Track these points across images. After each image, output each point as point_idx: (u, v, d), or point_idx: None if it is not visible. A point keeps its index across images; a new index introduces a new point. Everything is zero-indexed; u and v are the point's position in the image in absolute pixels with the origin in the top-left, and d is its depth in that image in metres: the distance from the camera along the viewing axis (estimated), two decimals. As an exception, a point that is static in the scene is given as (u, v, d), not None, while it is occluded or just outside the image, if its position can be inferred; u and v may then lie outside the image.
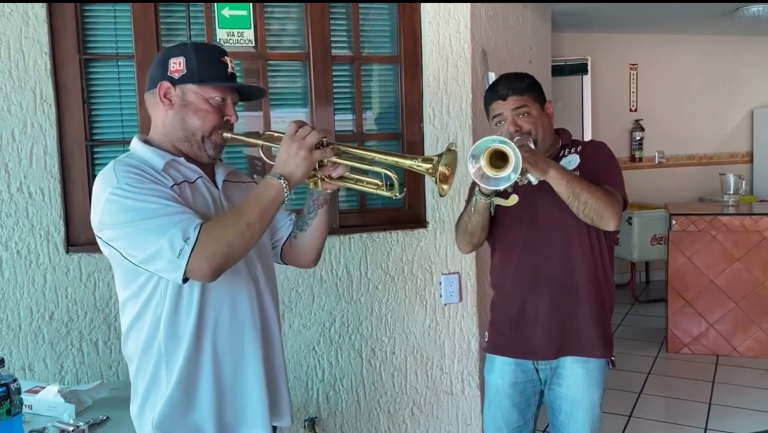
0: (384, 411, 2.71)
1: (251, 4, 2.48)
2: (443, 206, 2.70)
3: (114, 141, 2.39)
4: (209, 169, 1.55)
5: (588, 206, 1.79)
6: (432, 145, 2.67)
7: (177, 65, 1.46)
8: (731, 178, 5.09)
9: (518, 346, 2.03)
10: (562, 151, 2.02)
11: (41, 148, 2.27)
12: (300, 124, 1.44)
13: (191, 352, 1.44)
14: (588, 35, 5.94)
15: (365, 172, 1.53)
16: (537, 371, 2.04)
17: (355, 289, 2.64)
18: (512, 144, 1.60)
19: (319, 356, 2.62)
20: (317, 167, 1.48)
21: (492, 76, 2.90)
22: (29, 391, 1.86)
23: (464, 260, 2.72)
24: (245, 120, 2.59)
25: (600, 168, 1.94)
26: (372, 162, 1.49)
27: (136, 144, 1.50)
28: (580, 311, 1.97)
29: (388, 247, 2.66)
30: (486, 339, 2.14)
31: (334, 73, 2.61)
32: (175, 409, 1.45)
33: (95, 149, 2.39)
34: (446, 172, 1.42)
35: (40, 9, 2.24)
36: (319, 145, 1.43)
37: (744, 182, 5.34)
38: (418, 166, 1.45)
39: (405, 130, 2.71)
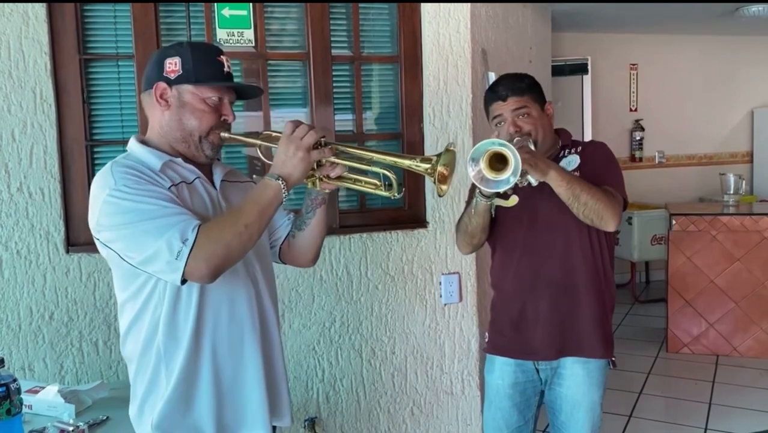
0: (384, 411, 2.71)
1: (251, 4, 2.48)
2: (443, 206, 2.70)
3: (114, 141, 2.39)
4: (207, 170, 1.54)
5: (588, 207, 1.79)
6: (432, 145, 2.67)
7: (173, 65, 1.45)
8: (731, 178, 5.09)
9: (518, 346, 2.03)
10: (562, 152, 2.02)
11: (41, 148, 2.27)
12: (296, 124, 1.43)
13: (190, 353, 1.44)
14: (588, 35, 5.94)
15: (364, 172, 1.52)
16: (537, 371, 2.04)
17: (355, 289, 2.64)
18: (512, 147, 1.60)
19: (319, 356, 2.62)
20: (315, 167, 1.48)
21: (492, 76, 2.90)
22: (29, 391, 1.86)
23: (464, 260, 2.72)
24: (245, 120, 2.59)
25: (600, 168, 1.94)
26: (370, 162, 1.49)
27: (133, 145, 1.49)
28: (580, 312, 1.97)
29: (388, 247, 2.66)
30: (486, 339, 2.14)
31: (334, 73, 2.61)
32: (175, 410, 1.45)
33: (95, 149, 2.39)
34: (445, 172, 1.42)
35: (40, 9, 2.24)
36: (317, 145, 1.43)
37: (744, 182, 5.34)
38: (416, 166, 1.45)
39: (405, 130, 2.71)
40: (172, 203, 1.35)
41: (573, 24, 5.45)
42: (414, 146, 2.69)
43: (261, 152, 1.55)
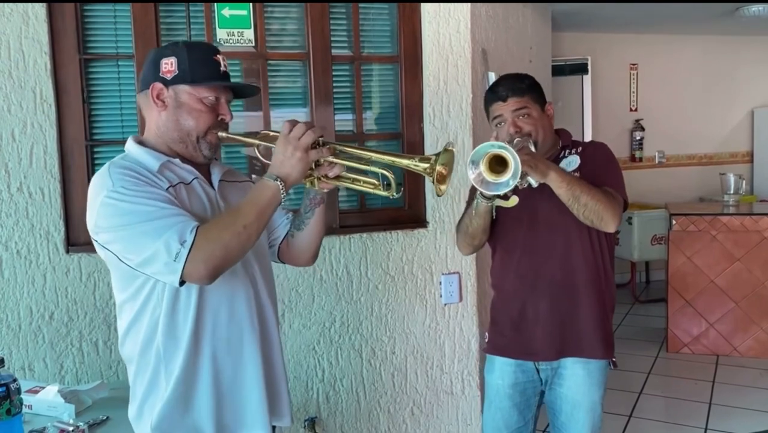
0: (384, 411, 2.71)
1: (251, 3, 2.48)
2: (443, 206, 2.70)
3: (114, 141, 2.39)
4: (205, 170, 1.54)
5: (588, 208, 1.79)
6: (432, 145, 2.66)
7: (169, 66, 1.45)
8: (731, 178, 5.09)
9: (518, 347, 2.03)
10: (563, 152, 2.02)
11: (41, 148, 2.27)
12: (294, 124, 1.42)
13: (190, 354, 1.44)
14: (588, 35, 5.94)
15: (362, 172, 1.52)
16: (538, 371, 2.04)
17: (355, 289, 2.64)
18: (511, 149, 1.60)
19: (319, 356, 2.62)
20: (314, 166, 1.47)
21: (492, 76, 2.90)
22: (29, 391, 1.86)
23: (464, 259, 2.72)
24: (245, 120, 2.59)
25: (600, 169, 1.94)
26: (369, 161, 1.49)
27: (130, 145, 1.49)
28: (580, 312, 1.96)
29: (388, 247, 2.66)
30: (486, 340, 2.14)
31: (334, 73, 2.61)
32: (174, 410, 1.45)
33: (95, 149, 2.39)
34: (443, 171, 1.42)
35: (40, 9, 2.24)
36: (315, 145, 1.42)
37: (744, 182, 5.34)
38: (415, 165, 1.45)
39: (405, 130, 2.71)
40: (169, 205, 1.35)
41: (573, 24, 5.45)
42: (414, 146, 2.69)
43: (259, 152, 1.54)
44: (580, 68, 5.82)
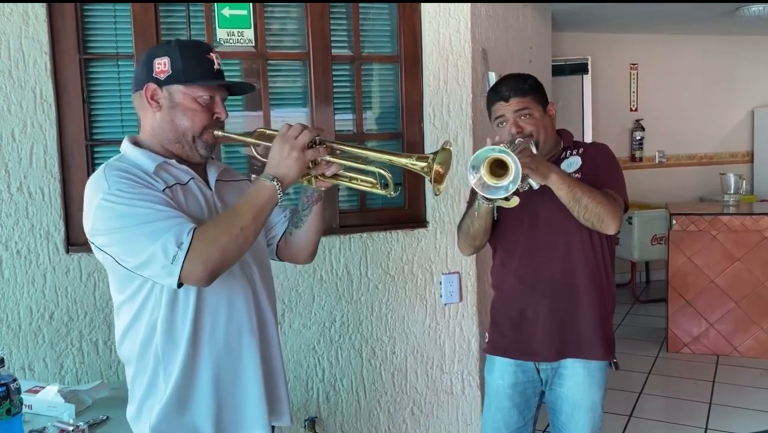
0: (384, 411, 2.71)
1: (251, 3, 2.48)
2: (443, 206, 2.70)
3: (114, 141, 2.38)
4: (201, 169, 1.53)
5: (589, 210, 1.79)
6: (432, 145, 2.66)
7: (162, 66, 1.44)
8: (732, 178, 5.09)
9: (519, 347, 2.03)
10: (564, 153, 2.02)
11: (41, 148, 2.27)
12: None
13: (188, 356, 1.44)
14: (588, 35, 5.94)
15: (360, 171, 1.52)
16: (538, 371, 2.04)
17: (355, 289, 2.64)
18: (512, 153, 1.59)
19: (319, 356, 2.62)
20: (311, 165, 1.46)
21: (492, 76, 2.90)
22: (29, 391, 1.86)
23: (464, 259, 2.72)
24: (245, 119, 2.59)
25: (601, 171, 1.94)
26: (366, 160, 1.48)
27: (126, 146, 1.48)
28: (580, 313, 1.96)
29: (389, 247, 2.66)
30: (486, 340, 2.14)
31: (334, 73, 2.61)
32: (173, 411, 1.45)
33: (95, 149, 2.39)
34: (441, 170, 1.41)
35: (40, 9, 2.24)
36: (312, 144, 1.42)
37: (744, 182, 5.33)
38: (412, 164, 1.44)
39: (405, 130, 2.71)
40: (166, 206, 1.34)
41: (573, 24, 5.45)
42: (414, 146, 2.69)
43: (257, 151, 1.53)
44: (580, 68, 5.82)
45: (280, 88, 2.63)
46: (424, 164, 1.42)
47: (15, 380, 1.54)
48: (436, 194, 1.45)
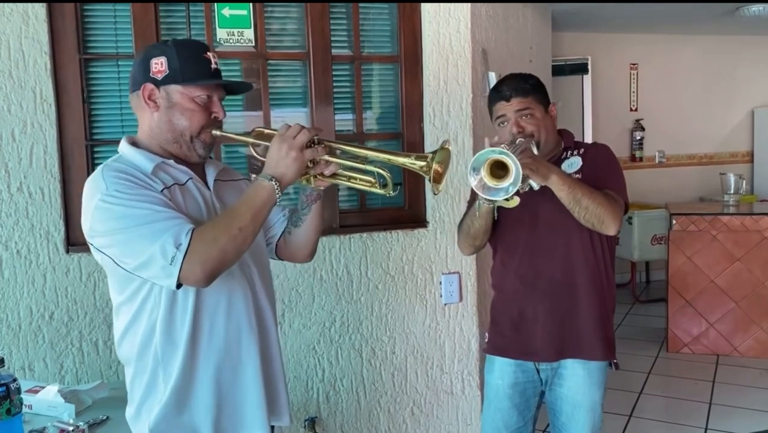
0: (384, 411, 2.71)
1: (251, 3, 2.48)
2: (443, 206, 2.70)
3: (114, 141, 2.37)
4: (200, 169, 1.53)
5: (589, 211, 1.79)
6: (432, 145, 2.66)
7: (159, 66, 1.43)
8: (732, 178, 5.09)
9: (518, 347, 2.03)
10: (565, 153, 2.02)
11: (41, 148, 2.27)
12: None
13: (188, 356, 1.44)
14: (588, 35, 5.94)
15: (359, 170, 1.52)
16: (538, 371, 2.04)
17: (355, 289, 2.64)
18: (512, 155, 1.59)
19: (319, 356, 2.62)
20: (310, 165, 1.46)
21: (492, 76, 2.90)
22: (29, 391, 1.86)
23: (464, 259, 2.72)
24: (245, 119, 2.59)
25: (602, 171, 1.94)
26: (366, 160, 1.48)
27: (124, 147, 1.48)
28: (580, 313, 1.96)
29: (389, 247, 2.66)
30: (486, 340, 2.14)
31: (334, 73, 2.61)
32: (172, 412, 1.45)
33: (95, 149, 2.39)
34: (439, 170, 1.41)
35: (40, 9, 2.24)
36: (310, 144, 1.42)
37: (744, 182, 5.33)
38: (411, 164, 1.44)
39: (405, 130, 2.71)
40: (164, 207, 1.34)
41: (573, 24, 5.45)
42: (414, 146, 2.69)
43: (256, 151, 1.53)
44: (580, 68, 5.82)
45: (280, 88, 2.63)
46: (422, 163, 1.42)
47: (15, 380, 1.54)
48: (435, 194, 1.45)
